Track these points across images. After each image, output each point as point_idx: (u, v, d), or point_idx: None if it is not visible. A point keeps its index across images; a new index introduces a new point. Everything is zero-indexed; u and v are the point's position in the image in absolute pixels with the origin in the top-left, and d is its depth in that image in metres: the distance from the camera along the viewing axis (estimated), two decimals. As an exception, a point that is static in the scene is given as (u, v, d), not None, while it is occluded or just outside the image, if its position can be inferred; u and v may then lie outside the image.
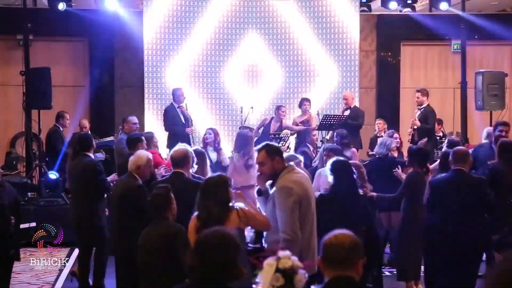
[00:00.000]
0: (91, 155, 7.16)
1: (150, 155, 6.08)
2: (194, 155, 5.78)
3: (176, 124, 10.71)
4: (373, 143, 10.53)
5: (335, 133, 9.20)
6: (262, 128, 10.98)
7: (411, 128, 10.66)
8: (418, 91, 10.90)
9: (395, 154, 8.67)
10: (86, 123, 11.79)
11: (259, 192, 4.93)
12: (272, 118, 11.13)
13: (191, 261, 2.92)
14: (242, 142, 7.81)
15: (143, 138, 7.44)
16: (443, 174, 6.14)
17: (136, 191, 5.68)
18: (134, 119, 9.27)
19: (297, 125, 11.07)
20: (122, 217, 5.79)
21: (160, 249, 4.60)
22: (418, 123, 10.41)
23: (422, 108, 10.63)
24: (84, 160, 6.97)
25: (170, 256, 4.53)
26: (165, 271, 4.56)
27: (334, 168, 5.64)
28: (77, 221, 6.99)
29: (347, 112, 11.22)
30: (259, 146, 4.87)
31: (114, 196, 6.10)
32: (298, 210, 4.53)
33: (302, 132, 10.86)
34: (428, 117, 10.53)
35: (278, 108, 11.16)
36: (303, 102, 11.27)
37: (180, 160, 5.53)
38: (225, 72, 12.69)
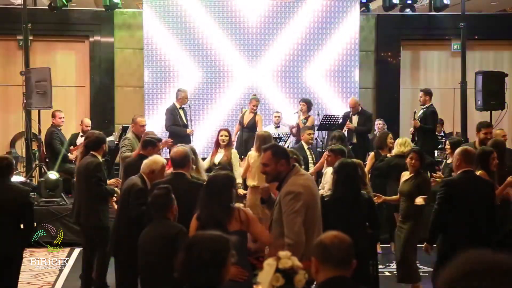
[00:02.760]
0: (99, 156, 7.04)
1: (165, 161, 6.05)
2: (193, 155, 5.77)
3: (177, 125, 10.71)
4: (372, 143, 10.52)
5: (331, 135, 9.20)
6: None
7: (412, 128, 10.64)
8: (421, 90, 10.88)
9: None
10: (88, 122, 11.74)
11: (263, 201, 4.85)
12: (246, 110, 11.32)
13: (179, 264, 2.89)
14: (262, 143, 7.74)
15: (157, 143, 7.25)
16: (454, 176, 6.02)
17: (137, 193, 5.67)
18: (142, 121, 9.18)
19: (298, 126, 11.07)
20: (123, 217, 5.79)
21: (161, 249, 4.58)
22: (417, 124, 10.37)
23: (424, 108, 10.61)
24: (88, 160, 6.91)
25: (170, 256, 4.50)
26: (165, 272, 4.55)
27: (338, 169, 5.61)
28: (84, 220, 6.95)
29: (355, 117, 11.14)
30: (265, 146, 4.80)
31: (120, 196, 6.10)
32: (304, 215, 4.41)
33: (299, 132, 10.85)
34: (427, 118, 10.51)
35: (250, 100, 11.31)
36: (299, 103, 11.33)
37: (181, 161, 5.52)
38: (223, 72, 12.70)
